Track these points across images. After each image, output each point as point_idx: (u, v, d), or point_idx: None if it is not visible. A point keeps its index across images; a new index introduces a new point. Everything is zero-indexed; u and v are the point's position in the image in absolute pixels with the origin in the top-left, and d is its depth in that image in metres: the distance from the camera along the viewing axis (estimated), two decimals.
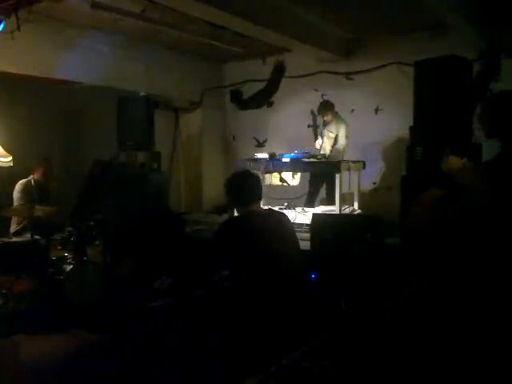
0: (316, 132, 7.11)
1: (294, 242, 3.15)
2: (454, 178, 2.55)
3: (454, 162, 2.67)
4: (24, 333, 3.81)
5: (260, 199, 3.15)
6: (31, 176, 5.73)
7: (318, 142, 6.78)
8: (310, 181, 6.86)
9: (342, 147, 6.53)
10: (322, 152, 6.55)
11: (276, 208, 5.47)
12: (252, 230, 2.94)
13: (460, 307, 2.06)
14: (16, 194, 5.60)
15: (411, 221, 2.36)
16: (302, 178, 6.73)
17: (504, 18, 5.64)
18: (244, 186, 3.10)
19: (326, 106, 6.62)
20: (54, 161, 6.07)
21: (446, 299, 2.09)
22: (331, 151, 6.51)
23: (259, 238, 2.89)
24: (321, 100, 7.07)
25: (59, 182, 6.11)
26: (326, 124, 6.70)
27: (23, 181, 5.68)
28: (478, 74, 2.59)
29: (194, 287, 3.05)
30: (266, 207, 4.42)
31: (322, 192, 6.86)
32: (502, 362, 1.97)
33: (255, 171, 5.02)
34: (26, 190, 5.61)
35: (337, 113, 6.65)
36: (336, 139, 6.53)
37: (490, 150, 2.83)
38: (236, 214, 3.24)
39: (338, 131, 6.52)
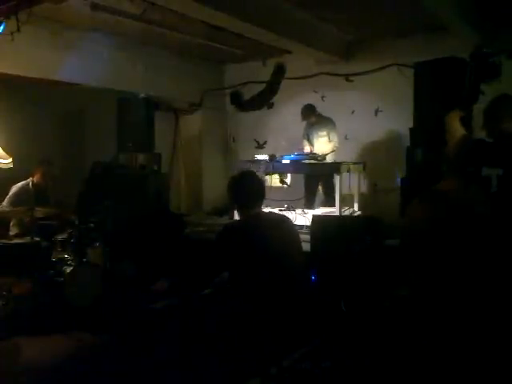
0: (305, 137, 7.10)
1: (295, 244, 3.09)
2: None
3: (455, 127, 2.66)
4: (24, 334, 3.82)
5: (261, 202, 3.06)
6: (30, 178, 5.61)
7: (307, 148, 6.78)
8: (305, 183, 6.86)
9: (335, 145, 6.62)
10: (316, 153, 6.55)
11: (276, 210, 5.48)
12: (250, 236, 2.89)
13: (458, 307, 2.06)
14: (8, 197, 5.42)
15: (408, 221, 2.37)
16: (293, 179, 6.71)
17: (504, 18, 5.64)
18: (244, 187, 3.02)
19: (308, 109, 6.72)
20: (54, 162, 5.88)
21: (443, 299, 2.09)
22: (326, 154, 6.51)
23: (257, 244, 2.85)
24: (321, 102, 7.09)
25: (60, 183, 6.03)
26: (311, 126, 6.76)
27: (19, 184, 5.53)
28: (468, 75, 2.64)
29: (192, 288, 3.05)
30: (267, 209, 4.38)
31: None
32: (501, 362, 1.97)
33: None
34: (19, 193, 5.46)
35: (320, 114, 6.73)
36: (329, 137, 6.59)
37: None
38: (237, 215, 3.21)
39: (328, 129, 6.57)
